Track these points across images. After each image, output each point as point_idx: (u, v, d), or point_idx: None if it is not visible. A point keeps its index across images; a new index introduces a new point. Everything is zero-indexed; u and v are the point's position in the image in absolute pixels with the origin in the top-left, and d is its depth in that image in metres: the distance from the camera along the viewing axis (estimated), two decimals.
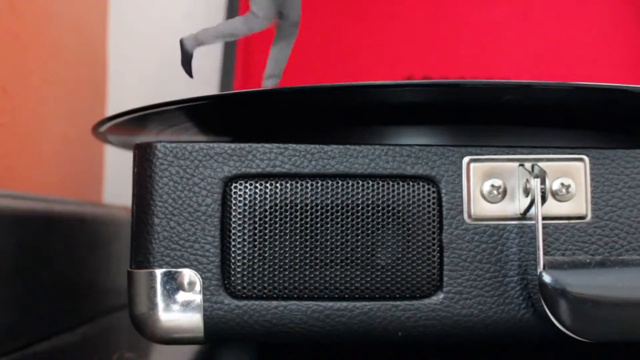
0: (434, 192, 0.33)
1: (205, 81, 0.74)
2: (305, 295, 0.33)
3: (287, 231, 0.33)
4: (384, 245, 0.33)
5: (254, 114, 0.39)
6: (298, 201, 0.33)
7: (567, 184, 0.33)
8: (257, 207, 0.33)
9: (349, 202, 0.33)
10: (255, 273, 0.33)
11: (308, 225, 0.33)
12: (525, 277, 0.33)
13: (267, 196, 0.33)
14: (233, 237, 0.33)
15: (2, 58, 0.50)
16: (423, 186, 0.33)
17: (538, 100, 0.35)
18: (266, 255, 0.33)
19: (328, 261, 0.33)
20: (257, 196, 0.33)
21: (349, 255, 0.33)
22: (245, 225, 0.33)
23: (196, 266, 0.33)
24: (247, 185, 0.33)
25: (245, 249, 0.33)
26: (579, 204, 0.33)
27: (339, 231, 0.33)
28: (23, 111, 0.53)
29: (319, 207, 0.33)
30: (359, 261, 0.33)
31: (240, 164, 0.33)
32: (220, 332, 0.33)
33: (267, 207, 0.33)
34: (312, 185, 0.33)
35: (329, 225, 0.33)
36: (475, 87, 0.33)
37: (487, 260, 0.33)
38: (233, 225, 0.33)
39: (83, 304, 0.50)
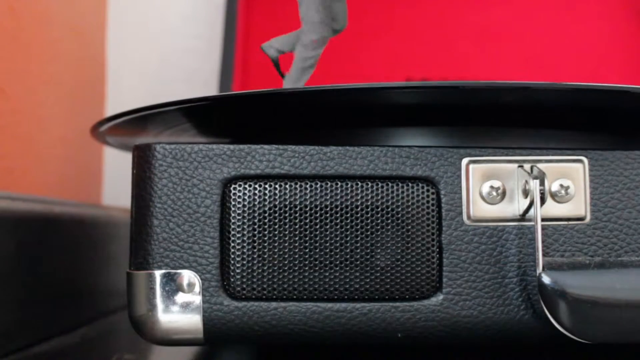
0: (433, 193, 0.33)
1: (205, 82, 0.74)
2: (305, 297, 0.33)
3: (287, 232, 0.33)
4: (383, 246, 0.33)
5: (253, 115, 0.39)
6: (297, 202, 0.33)
7: (566, 185, 0.33)
8: (256, 209, 0.33)
9: (348, 203, 0.33)
10: (255, 274, 0.33)
11: (307, 227, 0.33)
12: (525, 278, 0.33)
13: (266, 197, 0.33)
14: (232, 238, 0.33)
15: (1, 59, 0.50)
16: (422, 187, 0.33)
17: (537, 101, 0.35)
18: (265, 256, 0.33)
19: (327, 262, 0.33)
20: (256, 197, 0.33)
21: (348, 256, 0.33)
22: (245, 227, 0.33)
23: (195, 267, 0.33)
24: (246, 186, 0.33)
25: (245, 250, 0.33)
26: (578, 206, 0.33)
27: (338, 232, 0.33)
28: (22, 112, 0.53)
29: (318, 208, 0.33)
30: (358, 262, 0.33)
31: (240, 165, 0.33)
32: (219, 333, 0.33)
33: (267, 209, 0.33)
34: (311, 186, 0.33)
35: (328, 227, 0.33)
36: (474, 88, 0.33)
37: (487, 261, 0.33)
38: (232, 226, 0.33)
39: (82, 305, 0.50)
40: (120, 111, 0.37)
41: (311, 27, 0.36)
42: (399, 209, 0.33)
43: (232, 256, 0.33)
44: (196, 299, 0.33)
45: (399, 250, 0.33)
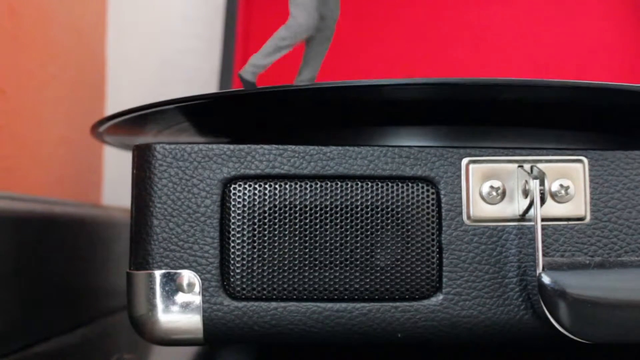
0: (433, 193, 0.33)
1: (205, 82, 0.74)
2: (305, 297, 0.33)
3: (287, 232, 0.33)
4: (383, 246, 0.33)
5: (253, 115, 0.39)
6: (297, 202, 0.33)
7: (566, 185, 0.33)
8: (256, 209, 0.33)
9: (348, 203, 0.33)
10: (255, 274, 0.33)
11: (307, 227, 0.33)
12: (525, 278, 0.33)
13: (266, 197, 0.33)
14: (232, 238, 0.33)
15: (1, 59, 0.50)
16: (422, 187, 0.33)
17: (536, 99, 0.35)
18: (265, 256, 0.33)
19: (327, 262, 0.33)
20: (256, 197, 0.33)
21: (348, 256, 0.33)
22: (245, 227, 0.33)
23: (195, 267, 0.33)
24: (246, 186, 0.33)
25: (245, 250, 0.33)
26: (578, 205, 0.33)
27: (338, 232, 0.33)
28: (22, 113, 0.53)
29: (318, 208, 0.33)
30: (358, 262, 0.33)
31: (239, 165, 0.33)
32: (219, 333, 0.33)
33: (266, 209, 0.33)
34: (311, 186, 0.33)
35: (328, 227, 0.33)
36: (475, 85, 0.33)
37: (487, 261, 0.33)
38: (232, 226, 0.33)
39: (82, 305, 0.50)
40: (120, 111, 0.37)
41: (302, 11, 0.35)
42: (399, 209, 0.33)
43: (232, 256, 0.33)
44: (196, 299, 0.33)
45: (399, 250, 0.33)
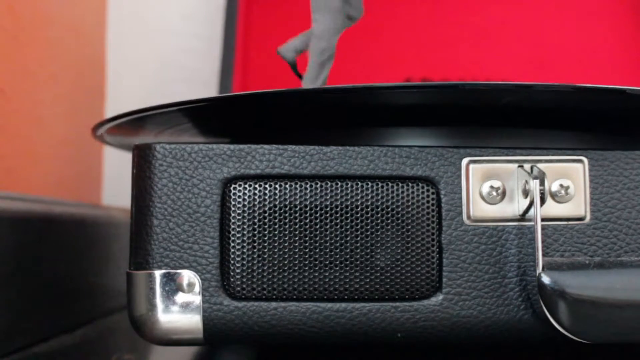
0: (433, 193, 0.33)
1: (205, 82, 0.74)
2: (305, 297, 0.33)
3: (287, 232, 0.33)
4: (383, 246, 0.33)
5: (253, 116, 0.39)
6: (297, 202, 0.33)
7: (566, 185, 0.33)
8: (256, 208, 0.33)
9: (348, 203, 0.33)
10: (255, 274, 0.33)
11: (307, 227, 0.33)
12: (525, 278, 0.33)
13: (266, 197, 0.33)
14: (232, 238, 0.33)
15: (0, 59, 0.50)
16: (422, 187, 0.33)
17: (537, 101, 0.35)
18: (265, 256, 0.33)
19: (327, 262, 0.33)
20: (256, 197, 0.33)
21: (348, 256, 0.33)
22: (245, 227, 0.33)
23: (195, 267, 0.33)
24: (246, 186, 0.33)
25: (245, 250, 0.33)
26: (578, 205, 0.33)
27: (338, 232, 0.33)
28: (22, 113, 0.53)
29: (318, 208, 0.33)
30: (358, 262, 0.33)
31: (240, 165, 0.33)
32: (219, 333, 0.33)
33: (267, 208, 0.33)
34: (311, 186, 0.33)
35: (328, 227, 0.33)
36: (475, 89, 0.33)
37: (487, 261, 0.33)
38: (232, 226, 0.33)
39: (82, 305, 0.50)
40: (120, 110, 0.37)
41: (327, 15, 0.35)
42: (399, 209, 0.33)
43: (232, 256, 0.33)
44: (196, 299, 0.33)
45: (399, 250, 0.33)
